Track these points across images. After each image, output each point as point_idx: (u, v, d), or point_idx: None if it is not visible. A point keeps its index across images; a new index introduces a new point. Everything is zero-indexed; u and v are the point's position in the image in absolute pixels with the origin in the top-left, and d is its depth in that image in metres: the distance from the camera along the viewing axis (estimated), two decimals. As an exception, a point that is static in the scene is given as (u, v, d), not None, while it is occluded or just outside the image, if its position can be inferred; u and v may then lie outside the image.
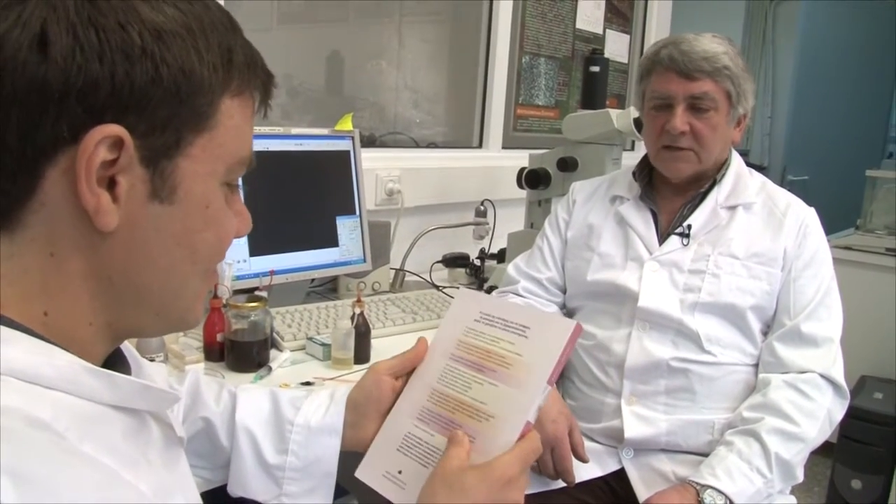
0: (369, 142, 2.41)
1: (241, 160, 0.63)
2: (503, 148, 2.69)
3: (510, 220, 2.37)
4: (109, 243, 0.57)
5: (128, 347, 0.89)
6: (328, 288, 2.05)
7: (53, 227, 0.55)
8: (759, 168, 5.26)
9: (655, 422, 1.41)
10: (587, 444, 1.41)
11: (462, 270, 2.31)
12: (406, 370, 0.94)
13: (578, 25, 2.89)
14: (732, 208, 1.48)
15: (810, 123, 5.22)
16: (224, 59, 0.58)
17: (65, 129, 0.52)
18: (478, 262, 2.30)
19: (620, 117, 1.94)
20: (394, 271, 2.13)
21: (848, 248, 3.08)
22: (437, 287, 2.13)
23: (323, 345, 1.53)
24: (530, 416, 0.82)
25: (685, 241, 1.47)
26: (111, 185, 0.55)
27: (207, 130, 0.58)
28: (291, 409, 0.97)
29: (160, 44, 0.54)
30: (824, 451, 1.38)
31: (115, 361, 0.65)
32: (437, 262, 2.30)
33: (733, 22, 5.22)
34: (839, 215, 3.82)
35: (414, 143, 2.54)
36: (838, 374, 1.37)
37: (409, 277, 2.17)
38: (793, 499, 1.40)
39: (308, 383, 1.41)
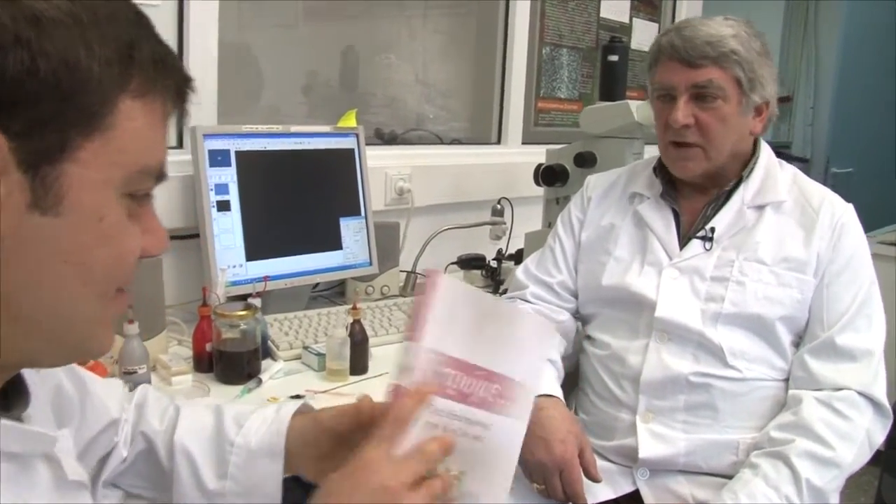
0: (391, 139, 2.32)
1: (145, 169, 0.55)
2: (523, 143, 2.57)
3: (529, 219, 2.25)
4: None
5: (71, 368, 0.82)
6: (336, 292, 1.97)
7: None
8: (801, 161, 5.06)
9: (673, 441, 1.30)
10: (599, 462, 1.31)
11: (478, 272, 2.21)
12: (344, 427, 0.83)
13: (603, 14, 2.76)
14: (760, 208, 1.36)
15: (855, 113, 4.98)
16: (122, 55, 0.52)
17: None
18: (494, 264, 2.19)
19: (641, 109, 1.82)
20: (405, 274, 2.04)
21: (896, 244, 2.90)
22: (450, 290, 2.03)
23: (318, 354, 1.45)
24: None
25: (708, 245, 1.35)
26: None
27: (100, 133, 0.51)
28: (234, 427, 0.88)
29: (38, 31, 0.48)
30: (872, 459, 1.24)
31: (13, 393, 0.58)
32: (452, 263, 2.20)
33: (773, 8, 5.01)
34: (887, 209, 3.62)
35: (438, 139, 2.44)
36: (879, 392, 1.24)
37: (421, 280, 2.08)
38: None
39: (298, 396, 1.32)
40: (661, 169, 1.46)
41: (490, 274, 2.18)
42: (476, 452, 0.76)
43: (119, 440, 0.88)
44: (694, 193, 1.42)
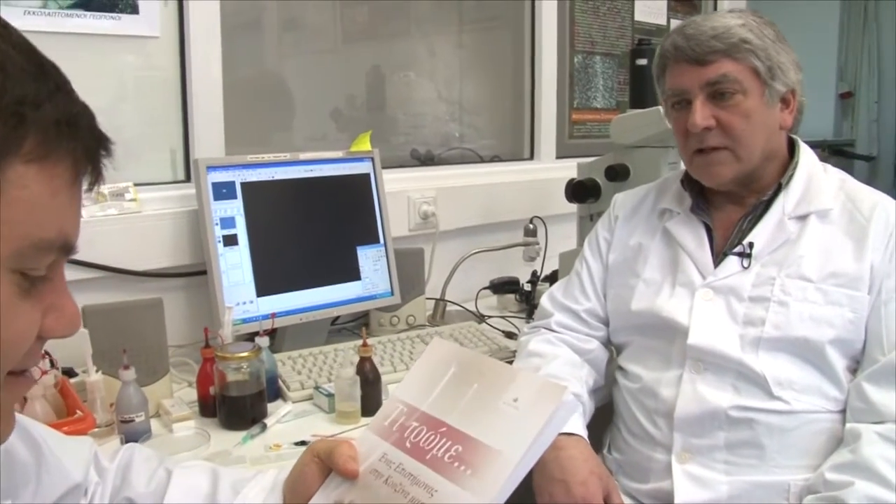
0: (427, 159, 2.24)
1: (40, 243, 0.48)
2: (558, 157, 2.46)
3: (564, 238, 2.14)
4: None
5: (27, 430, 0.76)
6: (360, 324, 1.88)
7: None
8: (867, 159, 4.78)
9: (714, 484, 1.16)
10: (633, 508, 1.18)
11: (512, 297, 2.09)
12: (331, 466, 0.75)
13: (638, 17, 2.63)
14: (803, 218, 1.22)
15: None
16: (9, 112, 0.45)
17: None
18: (528, 287, 2.08)
19: (675, 116, 1.69)
20: (433, 302, 1.94)
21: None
22: (482, 317, 1.93)
23: (329, 395, 1.36)
24: None
25: (745, 262, 1.21)
26: None
27: None
28: (230, 493, 0.83)
29: None
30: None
31: None
32: (484, 288, 2.09)
33: (828, 2, 4.78)
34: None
35: (478, 157, 2.35)
36: (950, 424, 1.08)
37: (450, 308, 1.98)
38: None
39: (303, 443, 1.24)
40: (689, 181, 1.33)
41: (524, 297, 2.07)
42: None
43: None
44: (727, 205, 1.29)
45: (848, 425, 1.13)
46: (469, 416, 0.69)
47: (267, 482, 0.83)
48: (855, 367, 1.17)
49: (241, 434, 1.26)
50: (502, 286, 2.11)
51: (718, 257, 1.26)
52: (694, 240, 1.29)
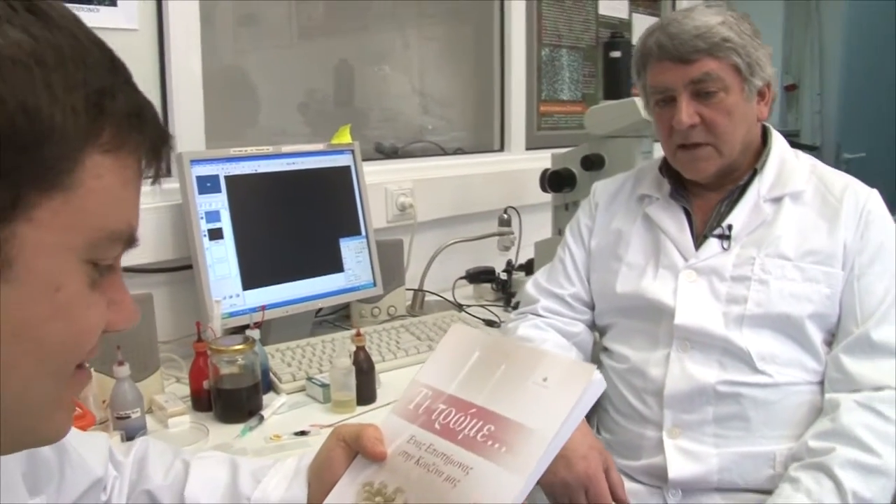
0: (391, 153, 2.25)
1: (112, 234, 0.49)
2: (527, 149, 2.50)
3: (537, 228, 2.18)
4: None
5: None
6: (341, 316, 1.90)
7: None
8: (812, 149, 4.95)
9: (705, 457, 1.21)
10: (627, 484, 1.23)
11: (488, 286, 2.13)
12: (358, 449, 0.76)
13: (601, 11, 2.69)
14: (778, 200, 1.27)
15: (864, 96, 4.87)
16: (91, 103, 0.45)
17: None
18: (504, 276, 2.12)
19: (647, 106, 1.74)
20: (412, 292, 1.97)
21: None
22: (460, 306, 1.96)
23: (323, 385, 1.37)
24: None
25: (725, 243, 1.27)
26: None
27: (61, 191, 0.45)
28: (251, 482, 0.83)
29: None
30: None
31: None
32: (461, 278, 2.12)
33: (774, 8, 4.93)
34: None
35: (441, 150, 2.37)
36: (923, 389, 1.15)
37: (429, 297, 2.00)
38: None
39: (303, 433, 1.25)
40: (667, 168, 1.38)
41: (500, 287, 2.11)
42: (445, 495, 0.66)
43: (106, 498, 0.82)
44: (705, 191, 1.35)
45: (827, 395, 1.19)
46: (498, 396, 0.70)
47: (289, 469, 0.83)
48: (830, 340, 1.24)
49: (239, 427, 1.27)
50: (478, 276, 2.14)
51: (699, 240, 1.31)
52: (674, 224, 1.34)
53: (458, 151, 2.42)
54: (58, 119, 0.44)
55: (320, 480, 0.79)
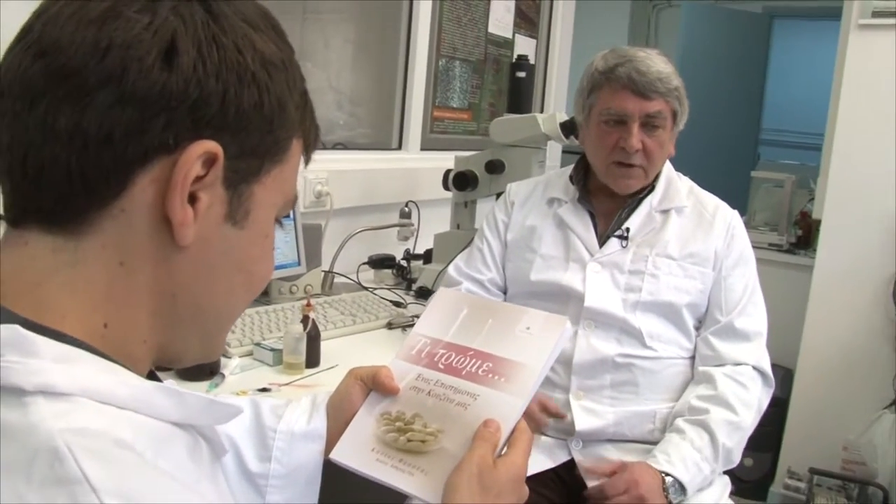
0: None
1: (291, 199, 0.64)
2: (422, 149, 2.71)
3: (434, 222, 2.40)
4: (180, 259, 0.56)
5: None
6: (293, 286, 2.00)
7: (129, 235, 0.54)
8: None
9: (603, 414, 1.49)
10: (538, 437, 1.47)
11: (388, 271, 2.32)
12: (374, 386, 0.90)
13: (490, 29, 2.96)
14: (666, 212, 1.58)
15: (690, 127, 5.49)
16: (303, 98, 0.61)
17: (171, 137, 0.52)
18: (404, 263, 2.32)
19: (547, 121, 2.01)
20: (323, 273, 2.12)
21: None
22: (366, 289, 2.13)
23: (273, 350, 1.51)
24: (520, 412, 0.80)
25: (624, 243, 1.55)
26: (191, 200, 0.54)
27: (279, 163, 0.59)
28: (273, 416, 0.94)
29: (266, 73, 0.56)
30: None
31: None
32: (364, 263, 2.30)
33: (619, 26, 5.45)
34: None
35: (343, 146, 2.52)
36: (766, 366, 1.50)
37: (337, 279, 2.16)
38: (726, 477, 1.51)
39: (265, 389, 1.39)
40: (577, 176, 1.64)
41: (400, 272, 2.31)
42: (460, 416, 0.80)
43: None
44: (608, 199, 1.62)
45: (700, 368, 1.51)
46: (491, 341, 0.87)
47: (305, 405, 0.95)
48: (698, 326, 1.56)
49: (203, 385, 1.38)
50: (380, 262, 2.33)
51: (601, 239, 1.59)
52: (581, 224, 1.60)
53: (339, 147, 2.57)
54: (290, 110, 0.59)
55: (339, 414, 0.92)
